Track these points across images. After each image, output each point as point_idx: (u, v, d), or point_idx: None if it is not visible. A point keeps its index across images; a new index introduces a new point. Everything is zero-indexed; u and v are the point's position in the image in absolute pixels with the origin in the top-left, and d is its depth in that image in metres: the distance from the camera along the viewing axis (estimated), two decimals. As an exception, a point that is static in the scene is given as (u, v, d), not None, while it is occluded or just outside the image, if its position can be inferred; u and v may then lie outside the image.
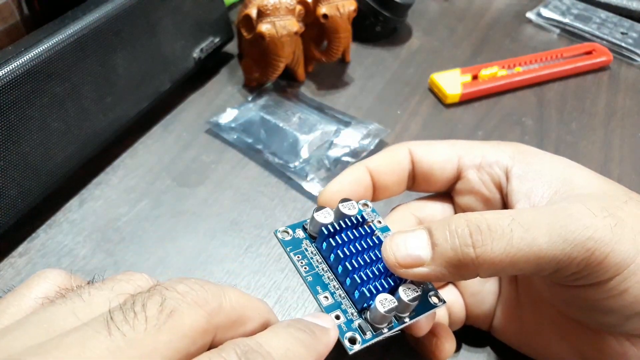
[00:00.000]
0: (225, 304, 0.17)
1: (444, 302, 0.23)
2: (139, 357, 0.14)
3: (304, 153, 0.39)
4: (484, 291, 0.27)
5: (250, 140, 0.40)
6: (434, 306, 0.23)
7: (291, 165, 0.38)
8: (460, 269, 0.21)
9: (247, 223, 0.35)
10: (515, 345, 0.27)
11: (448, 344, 0.25)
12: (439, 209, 0.28)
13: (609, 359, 0.23)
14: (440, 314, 0.26)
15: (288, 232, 0.24)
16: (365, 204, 0.26)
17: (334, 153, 0.39)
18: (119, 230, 0.34)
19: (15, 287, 0.18)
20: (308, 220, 0.24)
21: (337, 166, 0.38)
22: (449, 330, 0.26)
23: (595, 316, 0.22)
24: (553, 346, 0.25)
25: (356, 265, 0.22)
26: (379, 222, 0.26)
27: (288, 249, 0.23)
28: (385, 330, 0.22)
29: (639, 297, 0.20)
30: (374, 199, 0.27)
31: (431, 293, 0.23)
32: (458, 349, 0.28)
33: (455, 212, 0.28)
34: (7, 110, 0.30)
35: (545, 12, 0.56)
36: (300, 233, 0.24)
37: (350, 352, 0.21)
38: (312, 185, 0.37)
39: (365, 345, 0.21)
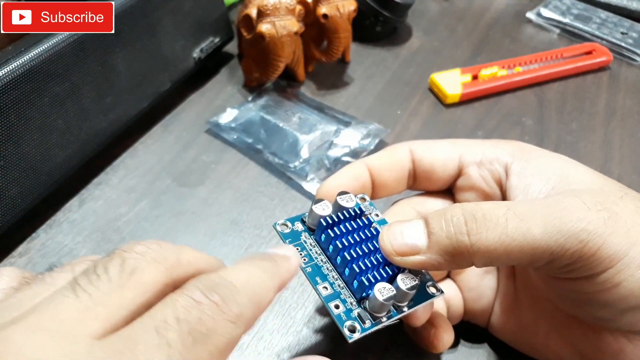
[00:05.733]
0: (182, 259, 0.18)
1: (442, 292, 0.23)
2: (107, 314, 0.15)
3: (304, 153, 0.39)
4: (482, 286, 0.27)
5: (250, 140, 0.40)
6: (432, 296, 0.23)
7: (291, 165, 0.38)
8: (455, 257, 0.21)
9: (247, 223, 0.35)
10: (513, 342, 0.27)
11: (446, 334, 0.25)
12: (440, 204, 0.28)
13: (605, 356, 0.23)
14: (439, 307, 0.27)
15: (287, 225, 0.24)
16: (362, 198, 0.26)
17: (334, 153, 0.39)
18: (119, 230, 0.34)
19: None
20: (307, 213, 0.25)
21: (337, 166, 0.38)
22: (448, 321, 0.26)
23: (590, 310, 0.22)
24: (550, 343, 0.25)
25: (354, 256, 0.22)
26: (377, 215, 0.26)
27: (287, 241, 0.24)
28: (384, 319, 0.22)
29: (633, 290, 0.20)
30: (373, 196, 0.27)
31: (429, 283, 0.24)
32: (456, 345, 0.28)
33: None
34: (7, 110, 0.30)
35: (545, 12, 0.56)
36: (299, 226, 0.24)
37: (350, 341, 0.21)
38: (312, 185, 0.37)
39: (364, 334, 0.21)
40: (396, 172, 0.27)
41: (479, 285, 0.27)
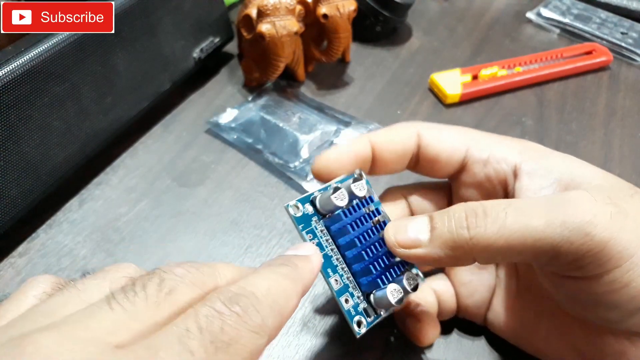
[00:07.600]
0: (220, 283, 0.18)
1: (423, 279, 0.25)
2: (140, 329, 0.15)
3: (304, 153, 0.39)
4: (475, 281, 0.27)
5: (250, 140, 0.40)
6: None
7: (291, 165, 0.38)
8: (455, 251, 0.21)
9: (247, 223, 0.35)
10: (512, 339, 0.27)
11: (431, 329, 0.26)
12: (434, 198, 0.29)
13: (607, 357, 0.23)
14: (430, 302, 0.27)
15: (298, 207, 0.24)
16: (360, 175, 0.25)
17: (334, 153, 0.39)
18: (119, 230, 0.34)
19: (11, 293, 0.19)
20: (315, 193, 0.24)
21: (337, 166, 0.38)
22: (433, 316, 0.27)
23: (598, 311, 0.22)
24: (551, 342, 0.25)
25: (370, 255, 0.23)
26: (371, 199, 0.25)
27: (300, 226, 0.23)
28: (382, 312, 0.23)
29: None
30: (371, 172, 0.27)
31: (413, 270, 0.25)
32: (455, 340, 0.28)
33: (454, 202, 0.28)
34: (7, 110, 0.30)
35: (545, 12, 0.56)
36: (309, 208, 0.24)
37: (358, 336, 0.22)
38: (312, 185, 0.37)
39: (368, 328, 0.22)
40: (399, 152, 0.27)
41: (471, 281, 0.27)
